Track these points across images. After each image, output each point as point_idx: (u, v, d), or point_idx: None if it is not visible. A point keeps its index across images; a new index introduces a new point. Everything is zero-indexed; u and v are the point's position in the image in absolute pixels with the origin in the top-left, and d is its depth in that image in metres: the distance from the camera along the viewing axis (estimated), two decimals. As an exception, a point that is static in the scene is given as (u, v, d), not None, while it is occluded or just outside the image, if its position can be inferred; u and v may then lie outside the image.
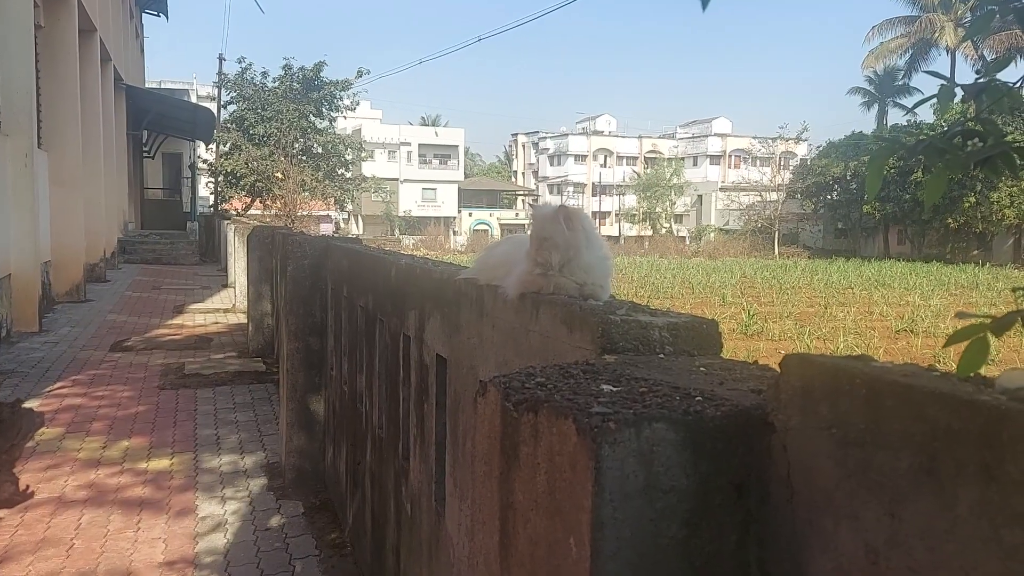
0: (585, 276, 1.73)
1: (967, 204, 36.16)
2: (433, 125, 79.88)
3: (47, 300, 11.53)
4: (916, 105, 1.40)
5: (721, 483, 1.06)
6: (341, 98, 30.60)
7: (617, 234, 59.43)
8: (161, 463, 5.21)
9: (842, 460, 0.92)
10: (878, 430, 0.87)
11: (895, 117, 56.42)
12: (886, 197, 39.82)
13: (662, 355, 1.43)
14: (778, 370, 1.11)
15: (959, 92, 1.28)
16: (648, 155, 69.87)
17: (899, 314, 16.78)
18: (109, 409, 6.39)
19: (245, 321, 10.12)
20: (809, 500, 0.98)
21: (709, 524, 1.05)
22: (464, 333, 2.22)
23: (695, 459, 1.05)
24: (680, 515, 1.04)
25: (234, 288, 13.54)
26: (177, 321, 11.18)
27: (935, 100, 1.31)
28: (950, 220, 37.18)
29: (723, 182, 60.52)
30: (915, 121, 43.33)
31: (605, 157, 72.04)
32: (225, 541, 4.08)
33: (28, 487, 1.03)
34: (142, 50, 31.90)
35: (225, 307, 12.67)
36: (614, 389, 1.19)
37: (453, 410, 2.34)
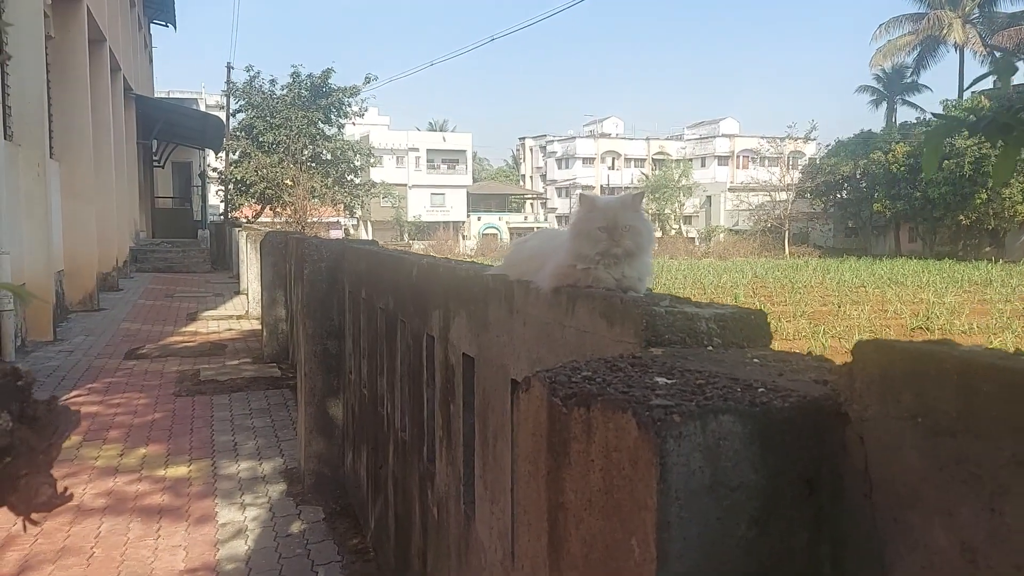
0: (626, 269, 1.68)
1: (979, 200, 35.90)
2: (441, 130, 79.98)
3: (61, 309, 11.55)
4: (976, 81, 1.33)
5: (791, 478, 1.00)
6: (349, 104, 30.63)
7: (626, 236, 58.90)
8: (179, 470, 5.17)
9: (930, 451, 0.85)
10: (973, 418, 0.80)
11: (904, 115, 56.31)
12: (896, 195, 39.60)
13: (710, 347, 1.37)
14: (838, 360, 1.05)
15: (1021, 65, 1.22)
16: (656, 157, 69.76)
17: (913, 312, 16.65)
18: (125, 417, 6.36)
19: (258, 327, 10.10)
20: (892, 495, 0.91)
21: (779, 522, 0.99)
22: (493, 331, 2.16)
23: (763, 453, 0.99)
24: (748, 513, 0.98)
25: (246, 295, 13.54)
26: (191, 328, 11.17)
27: (994, 75, 1.25)
28: (962, 217, 36.92)
29: (732, 182, 60.33)
30: (924, 118, 43.15)
31: (613, 159, 71.93)
32: (246, 548, 4.04)
33: (67, 489, 1.00)
34: (151, 60, 32.05)
35: (238, 314, 12.66)
36: (669, 381, 1.14)
37: (482, 410, 2.28)
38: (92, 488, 4.78)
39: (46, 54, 11.73)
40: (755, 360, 1.27)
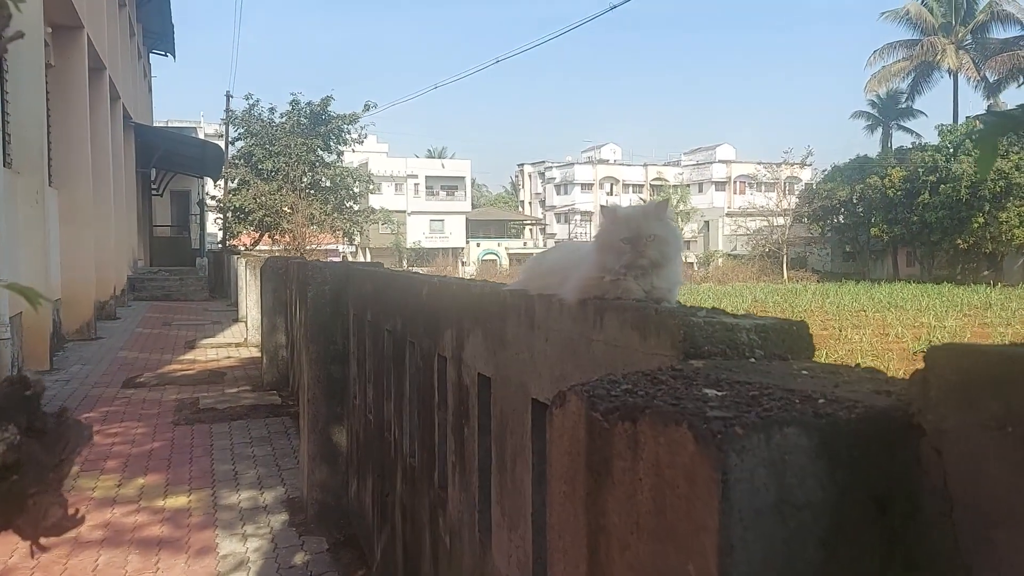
0: (655, 280, 1.61)
1: (976, 224, 36.01)
2: (439, 157, 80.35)
3: (58, 338, 11.44)
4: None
5: (860, 496, 0.92)
6: (348, 131, 30.72)
7: (625, 262, 58.96)
8: (178, 500, 5.05)
9: (1022, 463, 0.78)
10: (1074, 425, 0.73)
11: (899, 140, 56.55)
12: (893, 219, 39.70)
13: (752, 359, 1.30)
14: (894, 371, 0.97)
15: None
16: (654, 182, 69.99)
17: (915, 335, 16.58)
18: (123, 446, 6.25)
19: (257, 355, 10.00)
20: (977, 513, 0.84)
21: (848, 545, 0.91)
22: (511, 348, 2.08)
23: (831, 469, 0.91)
24: (816, 534, 0.90)
25: (245, 322, 13.44)
26: (189, 356, 11.06)
27: (976, 148, 1.19)
28: (959, 241, 37.00)
29: (729, 208, 60.53)
30: (920, 143, 43.40)
31: (611, 185, 72.17)
32: (248, 580, 3.92)
33: (78, 511, 0.94)
34: (150, 89, 32.20)
35: (237, 341, 12.55)
36: (720, 393, 1.06)
37: (499, 433, 2.19)
38: (90, 520, 4.66)
39: (46, 82, 11.74)
40: (804, 372, 1.20)
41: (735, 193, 65.34)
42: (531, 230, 73.70)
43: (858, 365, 1.26)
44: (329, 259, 34.35)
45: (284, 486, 5.33)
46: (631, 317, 1.47)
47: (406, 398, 3.29)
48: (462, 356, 2.51)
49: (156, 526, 4.61)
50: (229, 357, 10.96)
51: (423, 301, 2.97)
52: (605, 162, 75.03)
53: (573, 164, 74.60)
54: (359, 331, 4.25)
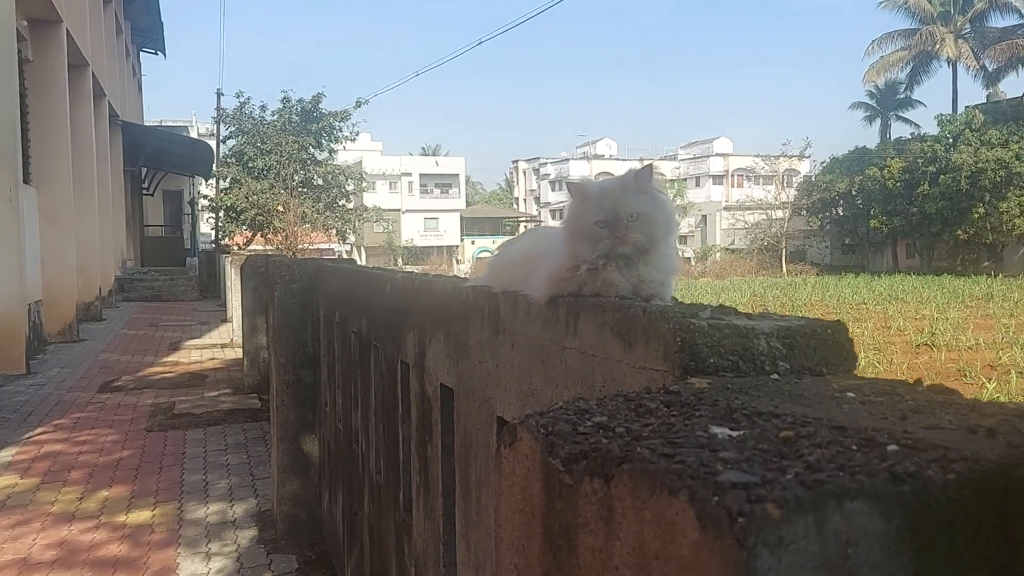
0: (643, 271, 1.26)
1: (976, 215, 35.66)
2: (433, 155, 79.86)
3: (38, 340, 11.09)
4: None
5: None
6: (340, 129, 30.32)
7: (622, 257, 58.62)
8: (142, 515, 4.71)
9: None
10: None
11: (898, 131, 56.25)
12: (893, 211, 39.35)
13: (776, 375, 0.96)
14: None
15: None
16: (650, 177, 69.49)
17: (917, 328, 16.27)
18: (90, 455, 5.90)
19: (243, 356, 9.65)
20: None
21: None
22: (475, 356, 1.74)
23: (920, 568, 0.58)
24: None
25: (232, 322, 13.09)
26: (172, 358, 10.70)
27: None
28: (959, 232, 36.65)
29: (727, 201, 60.14)
30: (919, 133, 43.06)
31: (607, 181, 71.51)
32: (207, 606, 3.58)
33: None
34: (140, 88, 31.79)
35: (223, 342, 12.20)
36: (733, 434, 0.72)
37: (463, 454, 1.85)
38: (43, 538, 4.32)
39: (23, 78, 11.37)
40: (849, 394, 0.86)
41: (733, 186, 64.92)
42: (526, 227, 73.27)
43: (919, 381, 0.92)
44: (338, 258, 33.94)
45: (256, 497, 4.99)
46: (612, 319, 1.13)
47: (372, 408, 2.95)
48: (424, 363, 2.17)
49: (114, 544, 4.27)
50: (213, 359, 10.61)
51: (387, 300, 2.63)
52: (601, 157, 74.55)
53: (568, 160, 74.18)
54: (329, 333, 3.91)
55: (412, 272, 2.80)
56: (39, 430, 6.65)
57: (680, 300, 1.28)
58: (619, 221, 1.26)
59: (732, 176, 66.15)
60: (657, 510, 0.59)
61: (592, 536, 0.67)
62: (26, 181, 11.12)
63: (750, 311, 1.11)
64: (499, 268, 1.61)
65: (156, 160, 25.97)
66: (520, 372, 1.49)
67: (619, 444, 0.69)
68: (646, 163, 1.41)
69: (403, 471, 2.49)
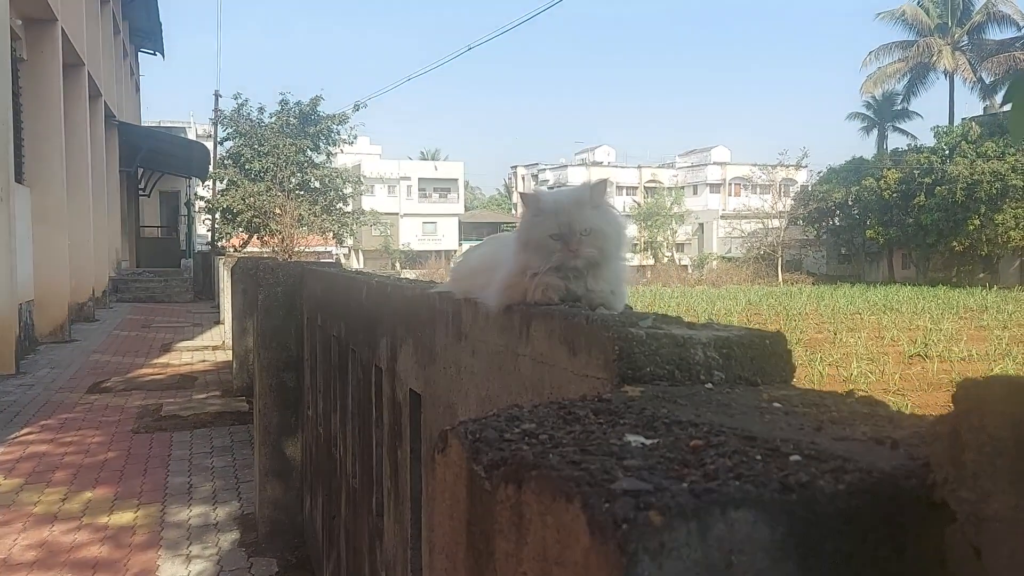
0: (591, 281, 1.28)
1: (972, 227, 35.75)
2: (432, 159, 79.90)
3: (29, 341, 11.07)
4: None
5: (852, 620, 0.60)
6: (338, 132, 30.31)
7: (619, 264, 58.69)
8: (124, 516, 4.70)
9: None
10: None
11: (895, 142, 56.35)
12: (889, 221, 39.45)
13: (710, 384, 0.97)
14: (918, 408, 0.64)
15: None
16: (648, 185, 69.66)
17: (910, 338, 16.31)
18: (76, 456, 5.89)
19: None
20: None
21: None
22: (440, 362, 1.75)
23: (805, 575, 0.59)
24: None
25: (225, 325, 13.09)
26: (163, 360, 10.70)
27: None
28: (955, 243, 36.74)
29: (724, 210, 60.25)
30: (916, 145, 43.19)
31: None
32: (185, 609, 3.58)
33: None
34: (137, 88, 31.81)
35: (214, 344, 12.19)
36: (647, 442, 0.73)
37: (429, 459, 1.86)
38: (24, 539, 4.32)
39: (17, 77, 11.38)
40: (776, 405, 0.87)
41: (730, 195, 65.02)
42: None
43: (851, 392, 0.94)
44: (321, 261, 33.86)
45: (240, 501, 4.98)
46: (559, 327, 1.14)
47: (349, 412, 2.96)
48: (396, 369, 2.18)
49: (95, 546, 4.26)
50: (204, 361, 10.61)
51: (363, 305, 2.64)
52: (599, 164, 74.64)
53: (567, 166, 74.23)
54: (311, 336, 3.92)
55: (387, 277, 2.81)
56: (25, 430, 6.64)
57: (632, 308, 1.30)
58: (573, 235, 1.27)
59: (729, 185, 66.26)
60: (557, 516, 0.60)
61: (507, 541, 0.69)
62: (19, 181, 11.12)
63: (697, 321, 1.12)
64: (462, 274, 1.62)
65: (153, 161, 25.97)
66: (479, 378, 1.50)
67: (535, 451, 0.70)
68: (600, 178, 1.43)
69: (376, 476, 2.50)
